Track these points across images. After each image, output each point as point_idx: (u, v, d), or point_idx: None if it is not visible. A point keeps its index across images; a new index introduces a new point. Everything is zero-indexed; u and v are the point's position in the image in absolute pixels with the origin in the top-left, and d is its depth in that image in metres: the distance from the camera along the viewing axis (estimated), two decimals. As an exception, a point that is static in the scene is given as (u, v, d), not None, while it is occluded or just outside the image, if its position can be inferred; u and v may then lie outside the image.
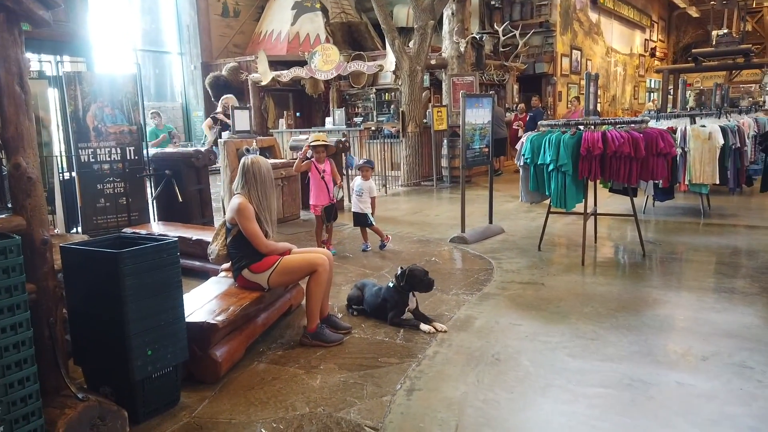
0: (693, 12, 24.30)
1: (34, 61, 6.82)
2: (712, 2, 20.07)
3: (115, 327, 2.66)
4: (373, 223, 6.21)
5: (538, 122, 6.02)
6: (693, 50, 20.40)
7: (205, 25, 16.13)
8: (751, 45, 19.49)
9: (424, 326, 3.81)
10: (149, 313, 2.72)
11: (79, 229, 5.84)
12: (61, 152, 5.89)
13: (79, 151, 5.74)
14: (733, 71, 21.97)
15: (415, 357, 3.43)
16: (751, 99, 20.36)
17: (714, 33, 18.35)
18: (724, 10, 19.04)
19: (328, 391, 3.05)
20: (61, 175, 5.75)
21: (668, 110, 11.58)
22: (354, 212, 6.30)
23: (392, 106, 13.66)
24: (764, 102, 16.26)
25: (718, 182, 6.91)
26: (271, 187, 3.76)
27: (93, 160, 5.82)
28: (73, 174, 5.86)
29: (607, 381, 3.06)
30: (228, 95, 10.53)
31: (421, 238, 6.62)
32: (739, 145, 7.04)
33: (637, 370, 3.16)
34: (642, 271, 5.10)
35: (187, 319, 3.01)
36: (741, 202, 8.39)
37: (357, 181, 6.30)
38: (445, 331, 3.78)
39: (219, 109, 8.92)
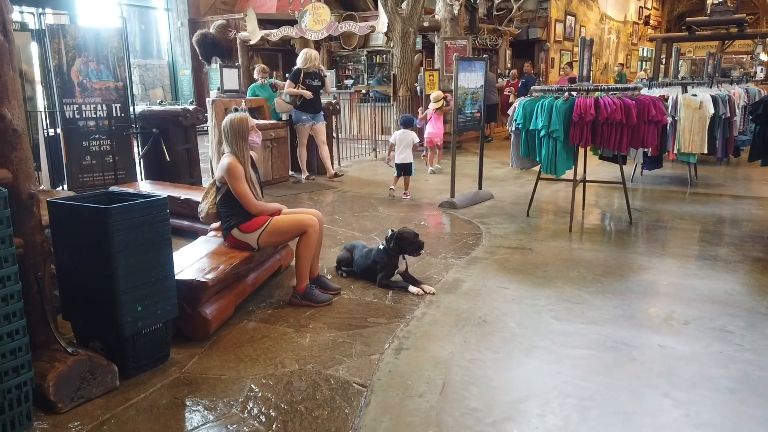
0: (689, -20, 24.01)
1: (16, 12, 6.60)
2: (708, -30, 19.79)
3: (104, 283, 2.65)
4: (414, 173, 7.00)
5: (531, 87, 5.98)
6: (687, 19, 20.22)
7: (193, -19, 15.66)
8: (745, 15, 19.35)
9: (412, 288, 3.85)
10: (139, 270, 2.72)
11: (65, 186, 5.77)
12: (45, 107, 5.76)
13: (64, 107, 5.62)
14: (726, 42, 21.86)
15: (403, 318, 3.47)
16: (742, 70, 20.34)
17: (709, 2, 18.16)
18: (720, -22, 18.79)
19: (317, 349, 3.08)
20: (45, 131, 5.64)
21: (660, 79, 11.53)
22: (401, 163, 6.82)
23: (380, 71, 13.46)
24: (755, 73, 16.25)
25: (706, 152, 6.96)
26: (245, 145, 3.66)
27: (78, 116, 5.71)
28: (58, 131, 5.75)
29: (590, 343, 3.12)
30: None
31: (411, 203, 6.63)
32: (729, 115, 7.07)
33: (620, 333, 3.22)
34: (628, 238, 5.16)
35: (176, 277, 3.01)
36: (728, 172, 8.47)
37: (400, 134, 6.81)
38: (434, 293, 3.82)
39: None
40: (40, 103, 5.70)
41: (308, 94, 7.53)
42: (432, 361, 2.94)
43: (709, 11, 17.78)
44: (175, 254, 3.07)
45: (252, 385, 2.74)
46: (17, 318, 2.31)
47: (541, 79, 15.58)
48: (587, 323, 3.37)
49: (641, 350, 3.04)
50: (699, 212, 6.03)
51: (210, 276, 3.23)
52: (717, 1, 17.91)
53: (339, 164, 9.21)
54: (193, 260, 3.44)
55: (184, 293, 3.09)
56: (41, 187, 4.90)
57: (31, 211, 2.54)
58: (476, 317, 3.47)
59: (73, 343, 2.77)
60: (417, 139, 6.94)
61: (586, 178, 5.97)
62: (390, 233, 3.98)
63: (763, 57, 19.43)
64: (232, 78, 8.25)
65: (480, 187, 6.86)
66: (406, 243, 3.91)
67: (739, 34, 18.23)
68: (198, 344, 3.16)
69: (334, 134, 9.04)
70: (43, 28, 5.61)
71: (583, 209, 6.14)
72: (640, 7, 23.87)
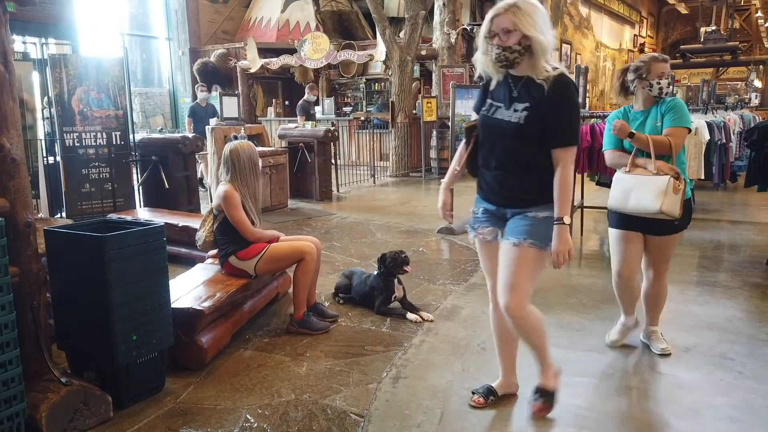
0: (682, 8, 24.44)
1: (19, 42, 6.71)
2: (701, -1, 20.21)
3: (99, 311, 2.63)
4: None
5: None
6: (681, 46, 20.54)
7: (194, 11, 15.92)
8: (738, 42, 19.67)
9: (410, 315, 3.82)
10: (134, 298, 2.70)
11: (64, 214, 5.78)
12: (45, 136, 5.81)
13: (64, 135, 5.66)
14: (721, 68, 22.17)
15: (401, 345, 3.44)
16: (737, 96, 20.56)
17: (702, 30, 18.49)
18: (712, 7, 19.17)
19: (314, 378, 3.05)
20: (45, 159, 5.68)
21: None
22: None
23: (379, 98, 13.60)
24: (750, 99, 16.43)
25: (703, 177, 6.98)
26: (253, 174, 3.68)
27: (78, 144, 5.75)
28: (58, 158, 5.78)
29: (590, 371, 3.09)
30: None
31: (409, 229, 6.63)
32: (724, 141, 7.12)
33: (620, 361, 3.19)
34: (627, 264, 5.14)
35: (173, 305, 2.99)
36: (725, 197, 8.50)
37: None
38: (432, 321, 3.79)
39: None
40: (40, 131, 5.75)
41: None
42: (430, 390, 2.91)
43: (702, 39, 18.09)
44: (171, 282, 3.06)
45: (247, 416, 2.70)
46: (11, 348, 2.29)
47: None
48: (587, 351, 3.34)
49: (641, 378, 3.01)
50: (697, 237, 6.03)
51: (206, 304, 3.21)
52: (710, 29, 18.22)
53: (338, 190, 9.25)
54: (189, 288, 3.43)
55: (180, 321, 3.07)
56: (39, 215, 4.91)
57: (28, 239, 2.54)
58: (475, 345, 3.44)
59: (67, 373, 2.75)
60: None
61: (584, 204, 5.99)
62: (380, 256, 3.99)
63: (757, 83, 19.67)
64: (231, 106, 8.34)
65: (478, 213, 6.86)
66: (389, 261, 3.91)
67: (733, 61, 18.52)
68: (194, 373, 3.12)
69: (333, 160, 9.09)
70: (45, 57, 5.69)
71: (581, 235, 6.14)
72: (635, 35, 24.24)
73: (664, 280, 3.35)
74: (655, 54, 3.21)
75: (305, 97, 10.68)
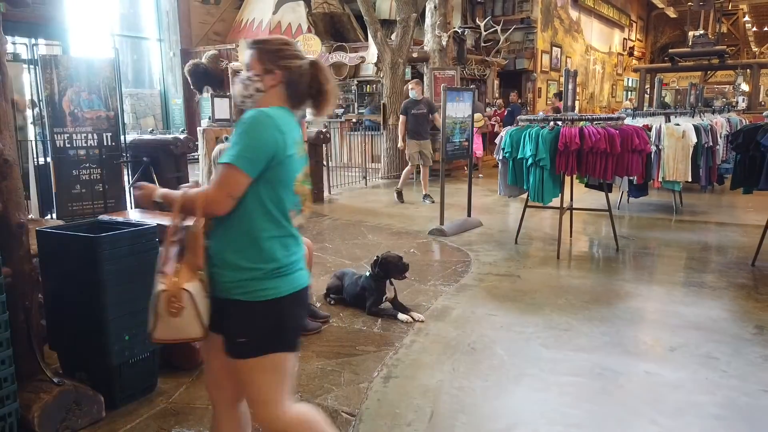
0: (671, 13, 24.68)
1: (9, 43, 6.67)
2: (689, 3, 20.40)
3: (92, 312, 2.65)
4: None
5: (517, 117, 6.10)
6: (670, 50, 20.75)
7: (185, 12, 15.88)
8: (726, 46, 19.89)
9: (401, 316, 3.86)
10: (127, 299, 2.71)
11: (54, 215, 5.76)
12: (36, 137, 5.79)
13: (55, 136, 5.64)
14: (708, 72, 22.41)
15: (392, 345, 3.47)
16: (724, 100, 20.80)
17: (690, 34, 18.68)
18: (700, 11, 19.36)
19: (306, 377, 3.07)
20: (35, 160, 5.66)
21: (644, 109, 11.79)
22: None
23: (371, 100, 13.63)
24: (737, 103, 16.63)
25: (690, 180, 7.08)
26: None
27: (69, 145, 5.73)
28: (48, 159, 5.76)
29: (578, 370, 3.14)
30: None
31: (401, 230, 6.66)
32: (711, 144, 7.22)
33: (607, 360, 3.24)
34: (615, 265, 5.22)
35: (165, 306, 3.00)
36: (712, 199, 8.61)
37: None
38: (423, 321, 3.83)
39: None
40: (31, 132, 5.73)
41: None
42: (421, 390, 2.94)
43: (691, 43, 18.28)
44: (163, 283, 3.07)
45: (240, 415, 2.71)
46: (3, 348, 2.29)
47: (528, 108, 15.83)
48: (575, 350, 3.39)
49: (628, 377, 3.06)
50: (685, 239, 6.11)
51: (199, 305, 3.22)
52: (698, 33, 18.42)
53: (329, 192, 9.27)
54: (181, 289, 3.43)
55: (173, 322, 3.08)
56: (30, 216, 4.89)
57: (20, 240, 2.55)
58: (465, 345, 3.48)
59: (59, 373, 2.75)
60: None
61: (573, 206, 6.05)
62: (375, 258, 4.01)
63: (744, 87, 19.91)
64: (223, 107, 8.32)
65: (469, 215, 6.91)
66: (390, 266, 3.94)
67: (721, 65, 18.75)
68: (186, 373, 3.13)
69: (324, 162, 9.11)
70: (36, 58, 5.67)
71: (571, 236, 6.20)
72: (624, 38, 24.44)
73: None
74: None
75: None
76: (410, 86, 8.90)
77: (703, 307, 4.09)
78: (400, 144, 8.58)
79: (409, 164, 8.56)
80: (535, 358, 3.28)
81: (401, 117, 8.41)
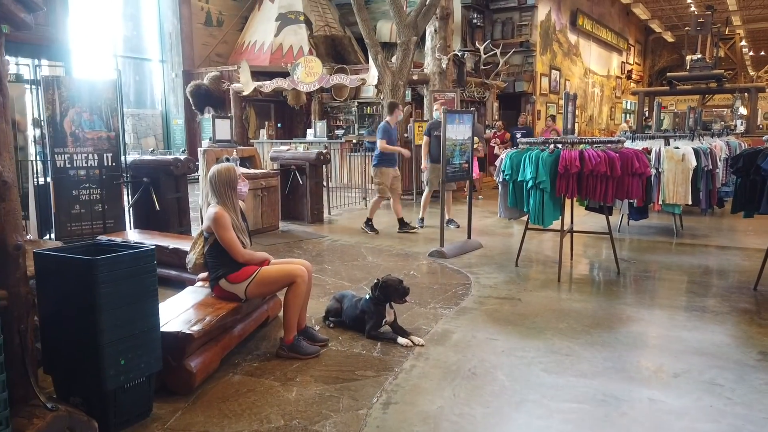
0: (668, 37, 24.98)
1: (12, 63, 6.72)
2: (686, 28, 20.65)
3: (88, 335, 2.61)
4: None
5: (517, 139, 6.11)
6: (668, 74, 20.94)
7: (188, 34, 16.07)
8: (723, 70, 20.08)
9: (401, 339, 3.81)
10: (124, 322, 2.68)
11: (53, 235, 5.74)
12: (36, 157, 5.80)
13: (55, 156, 5.65)
14: (707, 95, 22.58)
15: (391, 370, 3.43)
16: (723, 123, 20.91)
17: (688, 58, 18.86)
18: (698, 35, 19.58)
19: (304, 403, 3.03)
20: (35, 179, 5.66)
21: (643, 131, 11.86)
22: None
23: (371, 121, 13.71)
24: (735, 126, 16.71)
25: (690, 203, 7.07)
26: (230, 198, 3.68)
27: (69, 165, 5.74)
28: (48, 179, 5.76)
29: (580, 396, 3.09)
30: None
31: (401, 252, 6.64)
32: (711, 167, 7.22)
33: (610, 386, 3.20)
34: (616, 289, 5.18)
35: (162, 329, 2.97)
36: (712, 222, 8.59)
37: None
38: (423, 345, 3.78)
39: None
40: (32, 151, 5.74)
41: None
42: (421, 416, 2.89)
43: (689, 67, 18.44)
44: (161, 305, 3.04)
45: (236, 442, 2.67)
46: (-3, 372, 2.25)
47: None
48: (577, 376, 3.34)
49: (631, 404, 3.01)
50: (686, 263, 6.08)
51: (196, 328, 3.19)
52: (696, 57, 18.60)
53: (329, 213, 9.26)
54: (179, 311, 3.41)
55: (169, 345, 3.05)
56: (28, 237, 4.87)
57: (17, 262, 2.52)
58: (466, 370, 3.43)
59: (53, 398, 2.70)
60: None
61: (574, 229, 6.03)
62: (375, 282, 3.98)
63: (742, 110, 20.03)
64: (224, 128, 8.36)
65: (469, 237, 6.89)
66: (390, 290, 3.91)
67: (718, 88, 18.89)
68: (182, 398, 3.09)
69: (325, 183, 9.12)
70: (38, 79, 5.71)
71: (571, 259, 6.17)
72: (622, 62, 24.69)
73: None
74: None
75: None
76: (435, 107, 8.70)
77: (705, 332, 4.05)
78: (423, 165, 8.25)
79: (427, 189, 8.21)
80: (536, 384, 3.23)
81: (424, 138, 8.12)
